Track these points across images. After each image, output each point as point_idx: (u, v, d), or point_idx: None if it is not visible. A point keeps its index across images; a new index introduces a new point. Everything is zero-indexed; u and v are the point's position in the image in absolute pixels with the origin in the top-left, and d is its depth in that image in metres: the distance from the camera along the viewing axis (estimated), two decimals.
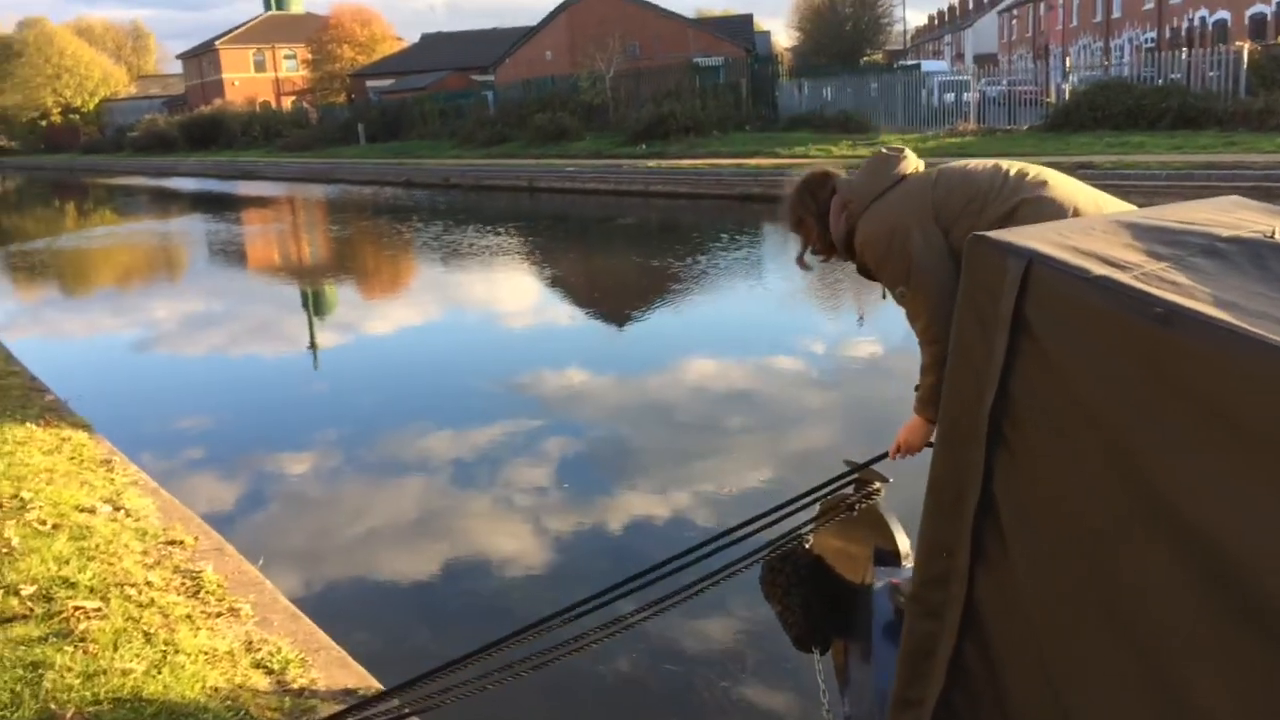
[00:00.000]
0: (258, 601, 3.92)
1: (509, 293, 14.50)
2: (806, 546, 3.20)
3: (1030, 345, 1.96)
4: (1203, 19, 36.00)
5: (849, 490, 3.10)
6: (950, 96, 27.55)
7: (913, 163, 2.90)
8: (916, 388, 2.90)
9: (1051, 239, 2.07)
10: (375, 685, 3.36)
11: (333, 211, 29.10)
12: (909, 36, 70.52)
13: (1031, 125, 23.86)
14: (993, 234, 2.10)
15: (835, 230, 2.94)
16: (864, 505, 3.03)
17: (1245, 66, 20.79)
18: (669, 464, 6.79)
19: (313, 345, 11.91)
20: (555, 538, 5.67)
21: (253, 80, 72.84)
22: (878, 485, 3.03)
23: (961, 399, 2.09)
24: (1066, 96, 23.63)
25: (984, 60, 49.36)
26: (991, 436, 2.02)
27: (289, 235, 24.78)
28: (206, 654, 3.38)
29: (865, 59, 54.03)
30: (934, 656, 2.18)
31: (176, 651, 3.35)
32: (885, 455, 3.08)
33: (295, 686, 3.29)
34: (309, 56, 65.37)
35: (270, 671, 3.36)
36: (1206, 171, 15.03)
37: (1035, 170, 2.73)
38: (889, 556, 3.04)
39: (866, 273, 2.96)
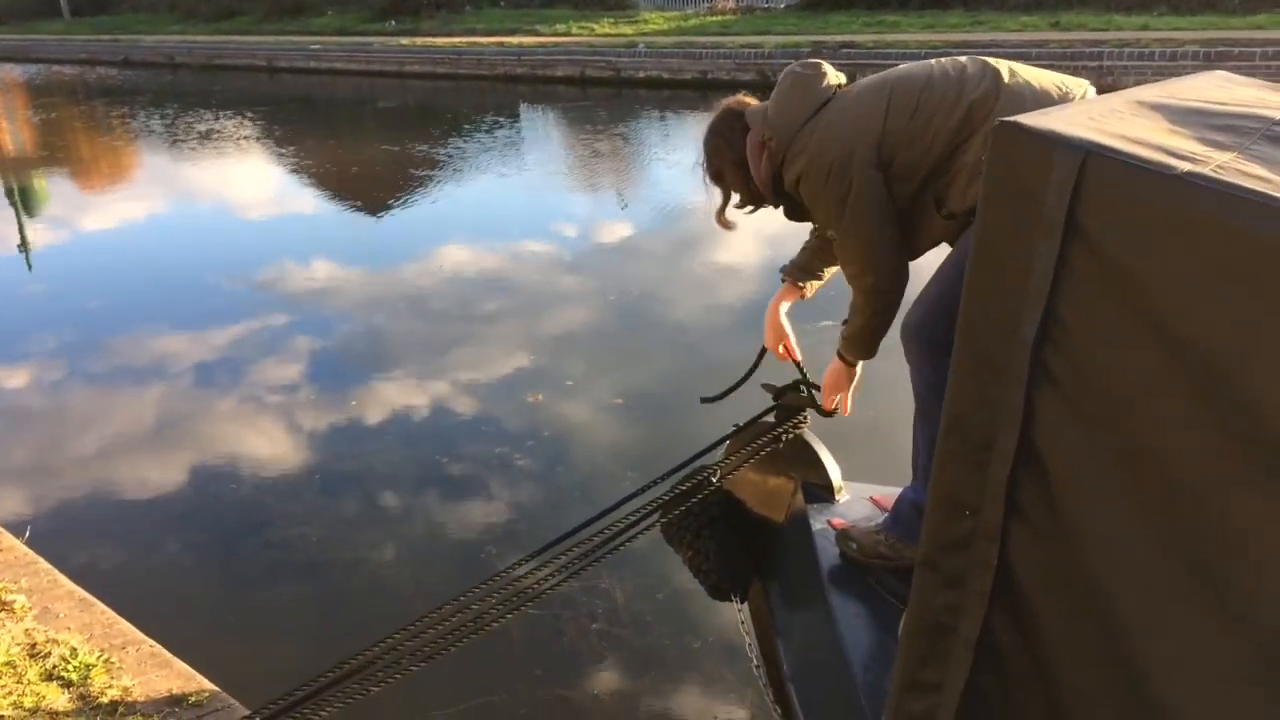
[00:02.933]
0: (34, 587, 3.16)
1: (249, 183, 13.22)
2: (714, 481, 2.80)
3: (1088, 260, 1.58)
4: None
5: (769, 418, 2.73)
6: None
7: (833, 77, 2.46)
8: (844, 322, 2.55)
9: (1084, 124, 1.69)
10: (207, 686, 2.75)
11: (36, 95, 25.66)
12: None
13: (789, 4, 23.96)
14: (1028, 120, 1.69)
15: (758, 175, 2.49)
16: (792, 435, 2.66)
17: None
18: (424, 354, 6.55)
19: (24, 245, 10.41)
20: (334, 443, 5.34)
21: None
22: (806, 412, 2.67)
23: (990, 325, 1.70)
24: None
25: None
26: (1034, 370, 1.66)
27: None
28: None
29: None
30: (954, 633, 1.84)
31: None
32: (805, 377, 2.72)
33: (104, 700, 2.63)
34: None
35: (68, 684, 2.68)
36: (962, 49, 15.43)
37: (977, 63, 2.35)
38: (819, 491, 2.71)
39: (797, 215, 2.56)
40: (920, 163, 2.28)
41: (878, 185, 2.30)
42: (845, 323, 2.54)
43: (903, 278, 2.41)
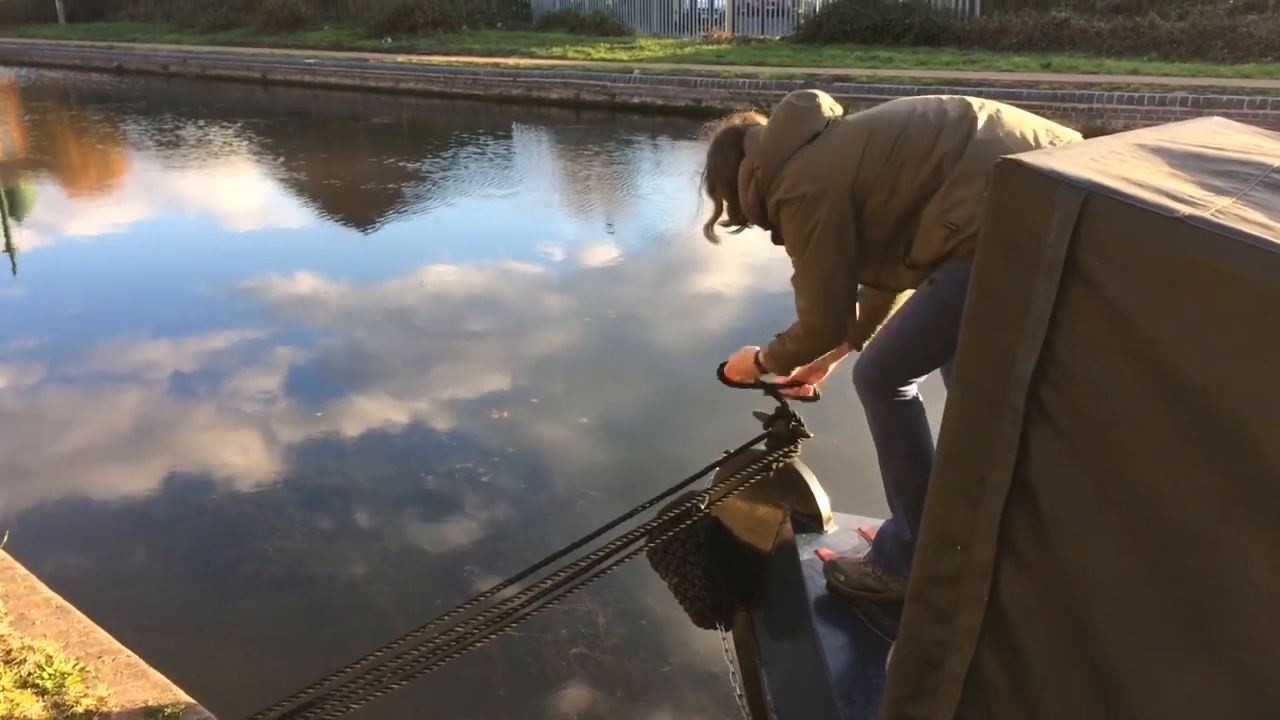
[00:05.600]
0: (10, 593, 3.13)
1: (237, 194, 13.15)
2: (702, 508, 2.79)
3: (1087, 299, 1.58)
4: None
5: (760, 446, 2.73)
6: (704, 2, 27.51)
7: (827, 109, 2.47)
8: (779, 336, 2.62)
9: (1086, 164, 1.70)
10: (183, 699, 2.72)
11: (28, 99, 25.60)
12: None
13: (784, 36, 24.15)
14: (1030, 159, 1.70)
15: (744, 201, 2.54)
16: (782, 464, 2.66)
17: None
18: (406, 370, 6.56)
19: (9, 248, 10.36)
20: (314, 456, 5.33)
21: None
22: (798, 441, 2.67)
23: (988, 361, 1.70)
24: (816, 9, 24.01)
25: None
26: (1030, 408, 1.66)
27: None
28: None
29: None
30: (942, 668, 1.83)
31: None
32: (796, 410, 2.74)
33: (79, 710, 2.60)
34: None
35: (43, 692, 2.64)
36: (954, 88, 15.61)
37: (958, 107, 2.31)
38: (808, 520, 2.70)
39: (780, 239, 2.57)
40: (888, 210, 2.30)
41: (845, 228, 2.32)
42: (779, 336, 2.60)
43: (842, 331, 2.46)
